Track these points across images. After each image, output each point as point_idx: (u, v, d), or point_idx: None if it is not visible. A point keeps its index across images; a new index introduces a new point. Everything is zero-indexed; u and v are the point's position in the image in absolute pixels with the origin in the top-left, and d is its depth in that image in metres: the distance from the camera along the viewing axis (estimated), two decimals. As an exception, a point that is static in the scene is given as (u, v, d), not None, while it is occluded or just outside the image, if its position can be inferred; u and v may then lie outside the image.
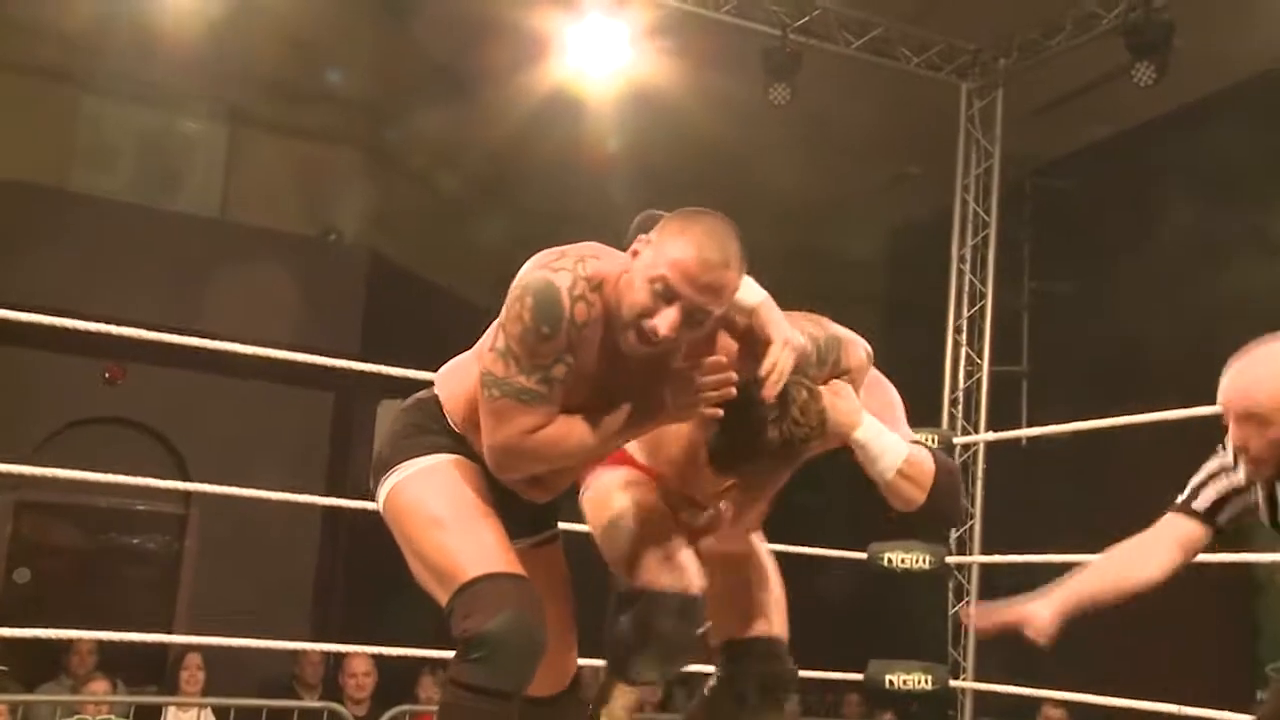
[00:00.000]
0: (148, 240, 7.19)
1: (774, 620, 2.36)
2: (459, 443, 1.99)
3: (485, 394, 1.86)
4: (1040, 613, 2.15)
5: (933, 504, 2.16)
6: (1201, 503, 2.25)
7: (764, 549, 2.46)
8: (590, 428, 1.89)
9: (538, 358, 1.81)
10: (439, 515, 1.92)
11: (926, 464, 2.15)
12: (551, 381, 1.83)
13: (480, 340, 2.05)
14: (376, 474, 2.03)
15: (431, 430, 2.00)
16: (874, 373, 2.29)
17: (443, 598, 1.89)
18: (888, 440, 2.13)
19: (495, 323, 1.89)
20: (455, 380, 2.03)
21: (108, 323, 3.64)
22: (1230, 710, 3.80)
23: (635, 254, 1.88)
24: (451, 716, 1.84)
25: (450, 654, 4.41)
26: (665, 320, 1.81)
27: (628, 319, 1.84)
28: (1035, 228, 7.90)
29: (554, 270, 1.83)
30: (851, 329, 2.31)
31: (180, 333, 3.84)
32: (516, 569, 1.90)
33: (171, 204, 7.87)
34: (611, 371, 1.90)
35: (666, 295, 1.81)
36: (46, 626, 3.62)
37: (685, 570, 2.10)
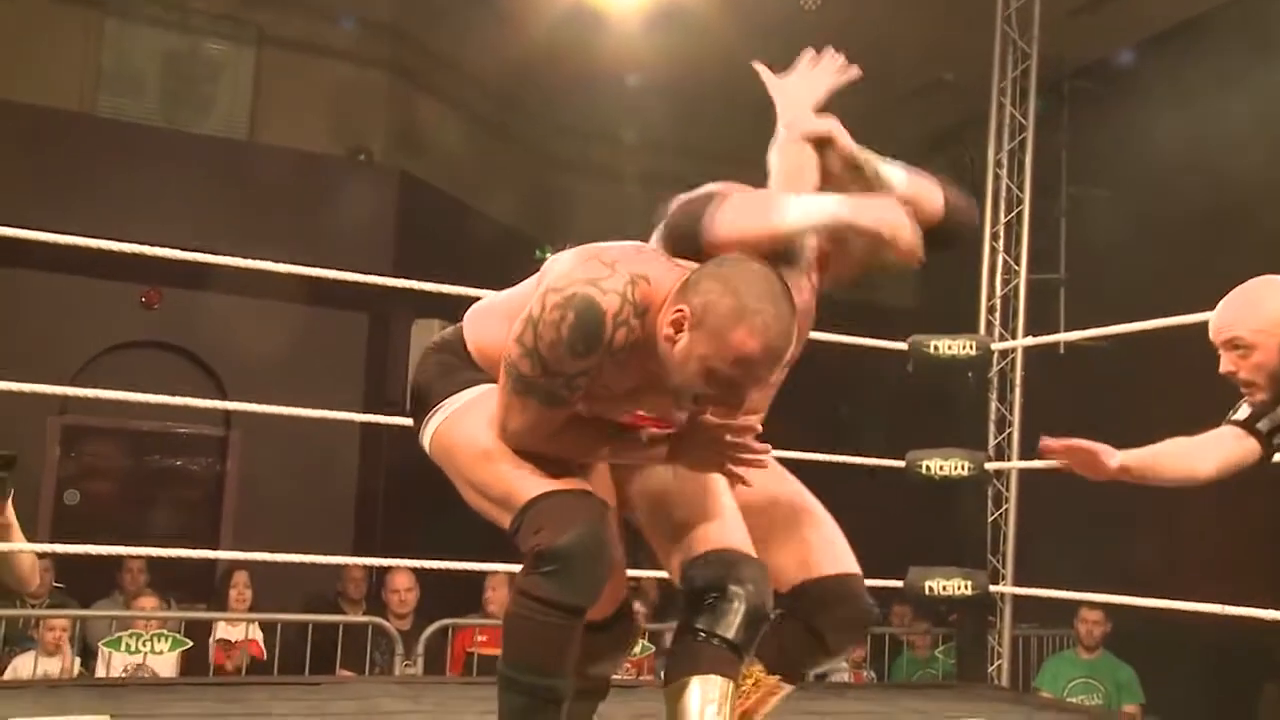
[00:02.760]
0: (177, 164, 7.19)
1: (843, 556, 2.23)
2: (490, 379, 2.00)
3: (506, 381, 1.85)
4: (1111, 452, 2.29)
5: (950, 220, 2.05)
6: (1265, 424, 2.40)
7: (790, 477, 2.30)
8: (606, 444, 1.92)
9: (564, 367, 1.79)
10: (491, 445, 1.90)
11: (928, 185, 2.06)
12: (574, 388, 1.82)
13: (510, 296, 2.02)
14: (417, 416, 2.03)
15: (463, 368, 2.00)
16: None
17: (506, 519, 1.90)
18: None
19: (529, 301, 1.83)
20: (483, 328, 2.02)
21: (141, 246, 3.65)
22: (1273, 609, 3.74)
23: (677, 324, 1.76)
24: (521, 628, 1.84)
25: (492, 566, 4.48)
26: (735, 411, 1.82)
27: (683, 391, 1.82)
28: (1073, 133, 7.75)
29: (603, 291, 1.76)
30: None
31: (213, 255, 3.86)
32: (583, 485, 1.91)
33: (200, 127, 7.86)
34: (640, 386, 1.90)
35: (731, 386, 1.77)
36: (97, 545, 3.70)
37: None
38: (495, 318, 1.99)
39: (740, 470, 1.92)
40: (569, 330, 1.75)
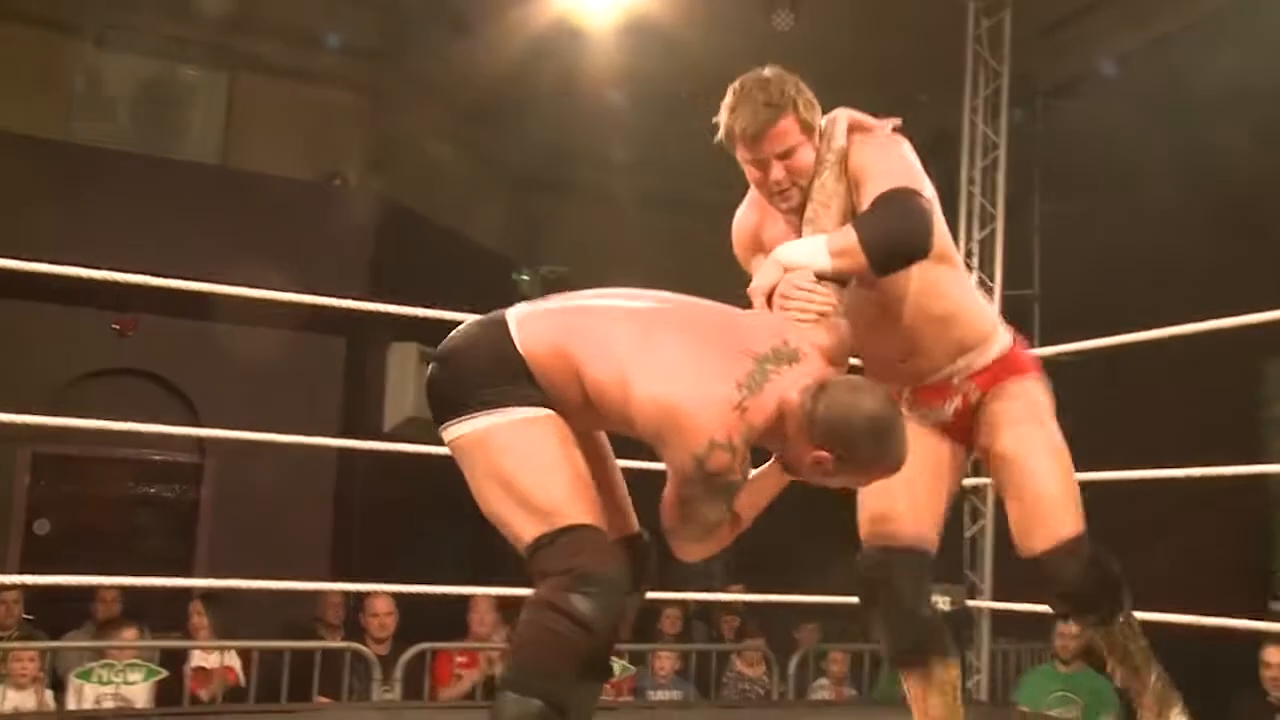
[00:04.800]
0: (151, 189, 7.15)
1: (1052, 521, 2.41)
2: (545, 398, 2.05)
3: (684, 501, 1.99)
4: None
5: (876, 254, 2.15)
6: None
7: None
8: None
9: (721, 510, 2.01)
10: (548, 463, 1.99)
11: (849, 236, 2.15)
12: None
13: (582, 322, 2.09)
14: (459, 403, 2.05)
15: (522, 382, 2.03)
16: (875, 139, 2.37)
17: (534, 528, 1.97)
18: (803, 246, 2.20)
19: (677, 491, 1.98)
20: (547, 345, 2.05)
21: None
22: (1245, 618, 3.87)
23: (821, 463, 1.97)
24: (546, 639, 1.92)
25: (473, 590, 4.44)
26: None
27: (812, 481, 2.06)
28: (1045, 150, 7.81)
29: (730, 471, 1.95)
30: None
31: (188, 281, 3.83)
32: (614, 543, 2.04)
33: (173, 152, 7.82)
34: None
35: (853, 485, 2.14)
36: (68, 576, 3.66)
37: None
38: (554, 330, 2.05)
39: None
40: (724, 500, 2.00)
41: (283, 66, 8.09)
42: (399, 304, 4.13)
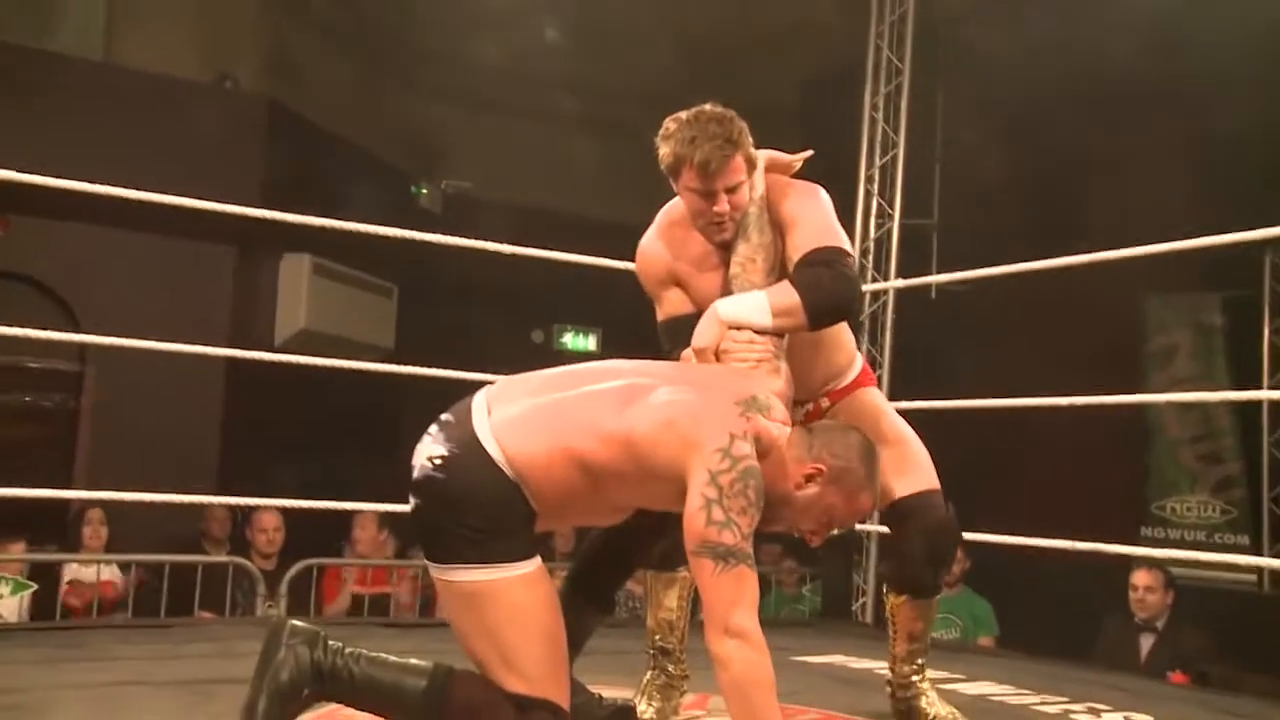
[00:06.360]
0: (23, 83, 6.77)
1: (922, 474, 2.62)
2: (536, 535, 2.12)
3: (719, 565, 1.99)
4: None
5: (817, 316, 2.36)
6: None
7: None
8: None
9: (751, 524, 2.03)
10: (539, 629, 2.08)
11: (790, 296, 2.33)
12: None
13: (550, 409, 2.10)
14: (453, 547, 2.07)
15: (521, 528, 2.09)
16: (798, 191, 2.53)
17: (514, 685, 2.06)
18: (744, 303, 2.35)
19: (703, 494, 1.99)
20: (537, 453, 2.07)
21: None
22: (1119, 544, 4.07)
23: (810, 476, 2.11)
24: None
25: (359, 506, 4.39)
26: (821, 539, 2.23)
27: (795, 522, 2.18)
28: (949, 78, 7.83)
29: (753, 458, 2.03)
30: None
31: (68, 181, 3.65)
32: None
33: (48, 44, 7.40)
34: None
35: (833, 527, 2.19)
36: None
37: None
38: (538, 433, 2.08)
39: None
40: (754, 495, 2.01)
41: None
42: (292, 213, 3.99)
